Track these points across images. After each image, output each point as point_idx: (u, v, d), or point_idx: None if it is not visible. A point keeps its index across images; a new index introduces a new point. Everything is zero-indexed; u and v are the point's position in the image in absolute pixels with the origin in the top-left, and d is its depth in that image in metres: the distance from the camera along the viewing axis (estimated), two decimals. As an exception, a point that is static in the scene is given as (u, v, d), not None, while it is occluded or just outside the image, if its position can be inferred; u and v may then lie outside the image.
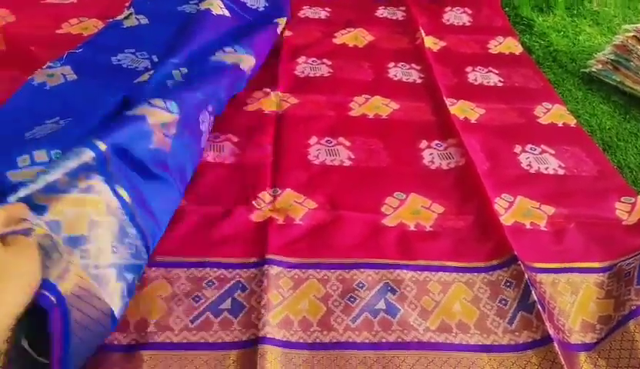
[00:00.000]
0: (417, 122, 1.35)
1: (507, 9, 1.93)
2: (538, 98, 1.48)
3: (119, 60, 1.39)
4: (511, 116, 1.40)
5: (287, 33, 1.66)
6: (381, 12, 1.85)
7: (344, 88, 1.45)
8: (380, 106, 1.39)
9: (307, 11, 1.81)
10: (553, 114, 1.42)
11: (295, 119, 1.32)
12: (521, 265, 0.96)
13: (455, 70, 1.57)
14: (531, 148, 1.29)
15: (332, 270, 0.95)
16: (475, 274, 0.98)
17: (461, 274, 0.97)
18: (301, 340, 0.85)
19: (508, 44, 1.72)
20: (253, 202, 1.07)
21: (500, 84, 1.53)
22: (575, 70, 1.65)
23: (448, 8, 1.88)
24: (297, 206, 1.07)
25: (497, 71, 1.58)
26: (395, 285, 0.94)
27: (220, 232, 1.00)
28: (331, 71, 1.51)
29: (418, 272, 0.97)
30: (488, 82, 1.53)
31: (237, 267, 0.94)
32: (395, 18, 1.82)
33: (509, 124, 1.37)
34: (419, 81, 1.51)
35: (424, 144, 1.28)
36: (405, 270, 0.96)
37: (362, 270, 0.96)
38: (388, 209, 1.09)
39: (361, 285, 0.93)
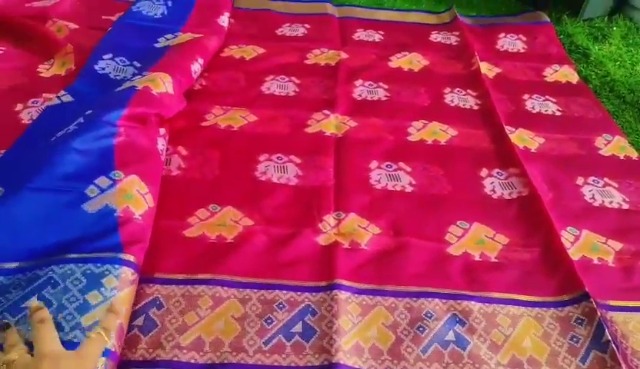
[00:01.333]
0: (476, 150, 1.35)
1: (561, 37, 1.92)
2: (598, 129, 1.46)
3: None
4: (571, 146, 1.39)
5: (343, 55, 1.68)
6: (435, 37, 1.86)
7: (401, 113, 1.45)
8: (438, 132, 1.40)
9: (361, 34, 1.84)
10: (614, 145, 1.40)
11: (355, 142, 1.33)
12: (593, 302, 0.94)
13: (511, 97, 1.56)
14: (593, 181, 1.27)
15: (400, 298, 0.96)
16: (544, 308, 0.96)
17: (529, 308, 0.96)
18: (372, 369, 0.85)
19: (564, 73, 1.71)
20: (319, 225, 1.08)
21: (558, 114, 1.52)
22: (634, 101, 1.62)
23: (502, 35, 1.88)
24: (361, 231, 1.08)
25: (554, 100, 1.57)
26: (464, 316, 0.93)
27: (288, 254, 1.01)
28: (388, 95, 1.53)
29: (486, 304, 0.96)
30: (546, 111, 1.52)
31: (306, 291, 0.95)
32: (448, 42, 1.83)
33: (570, 155, 1.36)
34: (476, 107, 1.51)
35: (484, 172, 1.27)
36: (473, 302, 0.96)
37: (430, 299, 0.96)
38: (452, 238, 1.09)
39: (429, 315, 0.93)
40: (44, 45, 1.52)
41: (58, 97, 1.30)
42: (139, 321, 0.87)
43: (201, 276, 0.95)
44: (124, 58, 1.46)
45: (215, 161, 1.22)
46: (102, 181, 0.99)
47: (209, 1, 1.81)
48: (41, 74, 1.43)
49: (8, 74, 1.41)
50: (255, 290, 0.94)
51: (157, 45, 1.53)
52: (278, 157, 1.25)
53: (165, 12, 1.73)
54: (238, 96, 1.45)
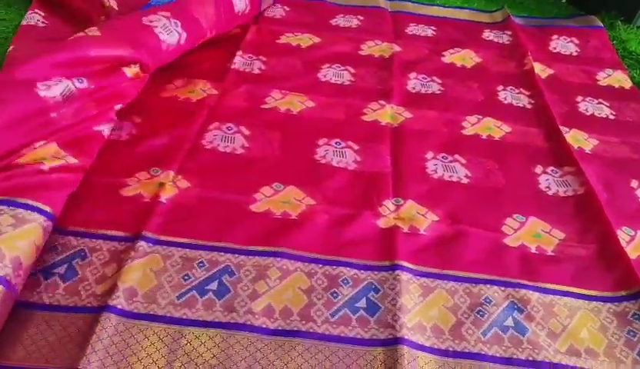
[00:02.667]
0: (531, 146, 1.36)
1: (614, 42, 1.91)
2: (651, 134, 1.46)
3: None
4: (624, 150, 1.39)
5: (397, 48, 1.70)
6: (487, 35, 1.87)
7: (455, 107, 1.48)
8: (492, 127, 1.41)
9: (413, 28, 1.86)
10: (667, 151, 1.40)
11: (410, 132, 1.36)
12: (651, 299, 0.96)
13: (564, 98, 1.57)
14: (648, 184, 1.28)
15: (459, 283, 0.98)
16: (601, 303, 0.98)
17: (587, 301, 0.98)
18: (435, 346, 0.88)
19: (617, 78, 1.70)
20: (379, 209, 1.11)
21: (612, 117, 1.52)
22: (688, 109, 1.61)
23: (555, 36, 1.88)
24: (420, 217, 1.11)
25: (607, 104, 1.57)
26: (522, 305, 0.96)
27: (349, 233, 1.05)
28: (442, 88, 1.55)
29: (544, 294, 0.98)
30: (599, 114, 1.53)
31: (369, 269, 0.99)
32: (501, 41, 1.83)
33: (623, 158, 1.36)
34: (529, 106, 1.52)
35: (539, 169, 1.29)
36: (530, 291, 0.98)
37: (488, 286, 0.98)
38: (509, 229, 1.11)
39: (488, 300, 0.96)
40: (82, 25, 1.50)
41: None
42: (213, 286, 0.92)
43: (269, 248, 0.99)
44: None
45: (276, 142, 1.26)
46: None
47: None
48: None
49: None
50: (320, 266, 0.98)
51: None
52: (336, 143, 1.29)
53: None
54: (295, 81, 1.49)
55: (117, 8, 1.55)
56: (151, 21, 1.34)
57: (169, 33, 1.36)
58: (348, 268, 0.98)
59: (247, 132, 1.28)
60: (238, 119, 1.31)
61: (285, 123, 1.33)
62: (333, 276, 0.96)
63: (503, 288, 0.98)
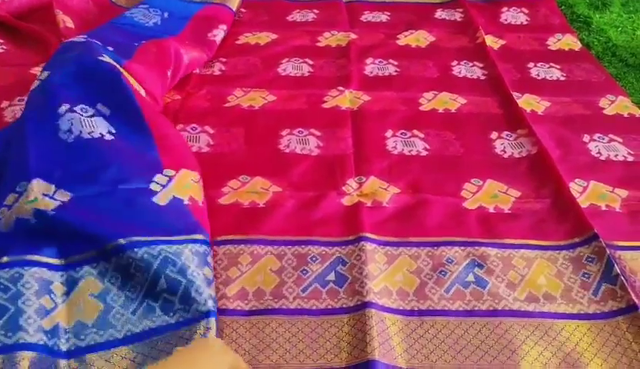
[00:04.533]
0: (485, 115, 1.42)
1: (563, 8, 1.98)
2: (602, 91, 1.52)
3: None
4: (576, 108, 1.46)
5: (352, 36, 1.76)
6: (440, 14, 1.93)
7: (412, 86, 1.53)
8: (448, 101, 1.47)
9: (368, 16, 1.91)
10: (618, 105, 1.47)
11: (369, 114, 1.41)
12: (602, 242, 1.02)
13: (517, 66, 1.64)
14: (599, 137, 1.34)
15: (421, 248, 1.04)
16: (557, 251, 1.04)
17: (542, 251, 1.04)
18: (400, 307, 0.93)
19: (566, 41, 1.77)
20: (342, 188, 1.16)
21: (563, 79, 1.58)
22: (636, 64, 1.68)
23: (505, 9, 1.94)
24: (382, 191, 1.16)
25: (558, 67, 1.64)
26: (482, 261, 1.01)
27: (317, 214, 1.10)
28: (398, 70, 1.60)
29: (502, 250, 1.04)
30: (550, 77, 1.59)
31: (336, 245, 1.04)
32: (453, 19, 1.89)
33: (575, 115, 1.42)
34: (483, 77, 1.58)
35: (494, 135, 1.35)
36: (489, 248, 1.04)
37: (449, 247, 1.04)
38: (467, 194, 1.17)
39: (449, 260, 1.01)
40: (42, 47, 1.55)
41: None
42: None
43: (239, 236, 1.04)
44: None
45: (241, 137, 1.31)
46: (159, 178, 1.07)
47: (208, 14, 1.73)
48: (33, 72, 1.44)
49: (4, 72, 1.47)
50: (289, 247, 1.03)
51: (136, 44, 1.43)
52: (299, 131, 1.34)
53: (159, 22, 1.65)
54: (256, 78, 1.54)
55: (73, 27, 1.59)
56: None
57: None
58: (316, 246, 1.03)
59: (211, 131, 1.33)
60: (202, 119, 1.36)
61: (248, 118, 1.38)
62: (302, 255, 1.01)
63: (463, 248, 1.04)
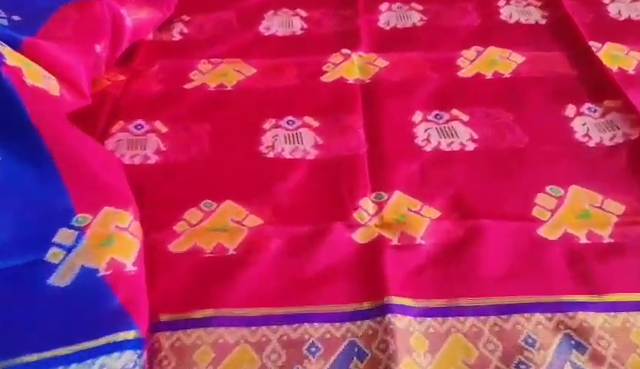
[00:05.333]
0: (554, 79, 1.00)
1: None
2: None
3: None
4: (682, 60, 1.02)
5: (359, -26, 1.31)
6: None
7: (445, 40, 1.10)
8: (498, 60, 1.04)
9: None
10: None
11: (388, 88, 0.99)
12: None
13: (587, 2, 1.18)
14: None
15: (482, 317, 0.66)
16: (698, 310, 0.66)
17: (675, 311, 0.66)
18: None
19: (653, -40, 1.29)
20: (353, 215, 0.78)
21: (657, 17, 1.13)
22: None
23: None
24: (413, 216, 0.77)
25: (648, -1, 1.18)
26: (582, 338, 0.63)
27: (315, 264, 0.72)
28: (425, 18, 1.17)
29: (611, 314, 0.65)
30: (638, 16, 1.14)
31: (346, 319, 0.66)
32: (493, -60, 1.42)
33: (684, 73, 0.99)
34: (543, 21, 1.14)
35: (571, 110, 0.93)
36: (591, 312, 0.65)
37: (527, 314, 0.66)
38: (543, 212, 0.77)
39: (530, 341, 0.63)
40: None
41: None
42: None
43: (195, 314, 0.67)
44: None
45: (205, 136, 0.91)
46: (64, 234, 0.69)
47: None
48: None
49: None
50: (275, 327, 0.65)
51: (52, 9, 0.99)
52: (288, 122, 0.93)
53: None
54: (230, 43, 1.12)
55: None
56: None
57: None
58: (315, 324, 0.66)
59: (163, 129, 0.93)
60: (151, 112, 0.96)
61: (217, 106, 0.97)
62: (294, 342, 0.64)
63: (550, 315, 0.65)
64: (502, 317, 0.65)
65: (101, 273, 0.65)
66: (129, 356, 0.59)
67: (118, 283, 0.65)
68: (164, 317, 0.66)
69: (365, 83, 1.01)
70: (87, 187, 0.74)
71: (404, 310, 0.66)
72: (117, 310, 0.63)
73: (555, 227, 0.75)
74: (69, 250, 0.66)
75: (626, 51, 1.04)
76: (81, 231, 0.68)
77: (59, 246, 0.67)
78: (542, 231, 0.75)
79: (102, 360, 0.57)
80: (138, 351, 0.60)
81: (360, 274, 0.70)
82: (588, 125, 0.90)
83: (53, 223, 0.69)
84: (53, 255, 0.66)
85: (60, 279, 0.64)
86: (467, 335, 0.64)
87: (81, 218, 0.70)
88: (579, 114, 0.92)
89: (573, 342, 0.63)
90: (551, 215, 0.77)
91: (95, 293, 0.64)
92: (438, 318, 0.66)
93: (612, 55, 1.03)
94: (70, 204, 0.71)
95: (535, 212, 0.77)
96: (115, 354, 0.59)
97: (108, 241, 0.69)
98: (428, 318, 0.66)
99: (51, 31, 0.93)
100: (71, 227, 0.69)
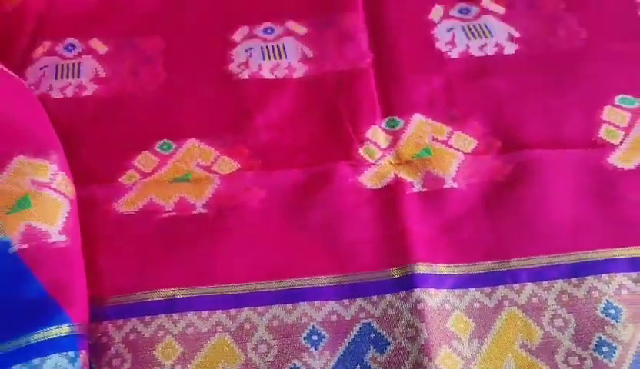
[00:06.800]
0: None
1: None
2: None
3: None
4: None
5: None
6: None
7: None
8: None
9: None
10: None
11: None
12: None
13: None
14: None
15: (545, 282, 0.48)
16: None
17: None
18: None
19: None
20: (359, 150, 0.58)
21: None
22: None
23: None
24: (440, 148, 0.58)
25: None
26: (680, 302, 0.46)
27: (311, 222, 0.53)
28: None
29: None
30: None
31: (358, 294, 0.49)
32: None
33: None
34: None
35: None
36: (691, 268, 0.48)
37: (605, 275, 0.48)
38: (614, 133, 0.58)
39: (612, 313, 0.46)
40: None
41: None
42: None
43: (155, 294, 0.49)
44: None
45: (158, 55, 0.69)
46: None
47: None
48: None
49: None
50: (262, 309, 0.48)
51: None
52: (266, 30, 0.71)
53: None
54: None
55: None
56: None
57: None
58: (316, 302, 0.48)
59: (102, 49, 0.70)
60: (85, 26, 0.72)
61: (171, 12, 0.74)
62: (289, 328, 0.47)
63: (635, 274, 0.48)
64: (572, 280, 0.48)
65: (15, 248, 0.47)
66: (57, 360, 0.43)
67: (40, 260, 0.47)
68: (112, 301, 0.49)
69: (365, -32, 0.77)
70: None
71: (437, 280, 0.48)
72: (39, 298, 0.45)
73: (631, 152, 0.56)
74: None
75: None
76: None
77: None
78: (614, 159, 0.56)
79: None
80: (71, 353, 0.44)
81: (373, 233, 0.52)
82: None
83: None
84: None
85: None
86: (525, 309, 0.47)
87: None
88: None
89: (671, 311, 0.46)
90: (625, 136, 0.58)
91: (8, 276, 0.46)
92: (485, 288, 0.48)
93: None
94: None
95: (603, 133, 0.58)
96: (35, 361, 0.42)
97: (23, 203, 0.50)
98: (471, 289, 0.48)
99: None
100: None
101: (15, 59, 0.69)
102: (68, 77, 0.67)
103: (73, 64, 0.69)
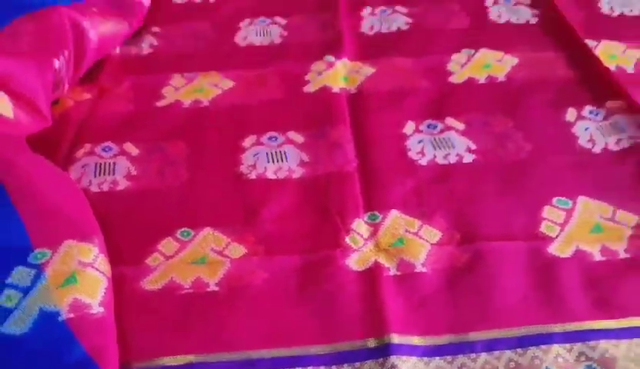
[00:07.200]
0: (551, 81, 0.94)
1: None
2: None
3: None
4: (680, 56, 0.97)
5: (339, -25, 1.24)
6: None
7: (433, 44, 1.04)
8: (491, 63, 0.98)
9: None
10: None
11: (376, 97, 0.93)
12: None
13: (579, -3, 1.14)
14: None
15: (496, 352, 0.59)
16: None
17: None
18: None
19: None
20: (346, 239, 0.71)
21: (651, 11, 1.09)
22: None
23: None
24: (412, 239, 0.70)
25: (639, -7, 1.13)
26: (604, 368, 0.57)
27: (306, 299, 0.64)
28: (410, 20, 1.11)
29: (635, 340, 0.59)
30: (631, 12, 1.10)
31: (343, 360, 0.59)
32: None
33: (684, 69, 0.95)
34: (534, 20, 1.09)
35: (571, 114, 0.87)
36: (613, 340, 0.59)
37: (544, 346, 0.59)
38: (552, 228, 0.71)
39: (550, 376, 0.57)
40: None
41: None
42: None
43: (174, 360, 0.59)
44: None
45: (181, 158, 0.83)
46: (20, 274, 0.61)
47: None
48: None
49: None
50: (264, 374, 0.59)
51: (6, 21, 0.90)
52: (270, 138, 0.86)
53: None
54: (204, 55, 1.05)
55: None
56: None
57: None
58: (310, 368, 0.59)
59: (134, 151, 0.85)
60: (121, 132, 0.88)
61: (193, 124, 0.90)
62: (286, 390, 0.57)
63: (568, 345, 0.59)
64: (518, 350, 0.59)
65: (63, 317, 0.57)
66: None
67: (83, 328, 0.57)
68: (137, 366, 0.59)
69: (352, 93, 0.94)
70: (45, 219, 0.66)
71: (408, 349, 0.59)
72: (82, 360, 0.55)
73: (565, 244, 0.69)
74: (26, 291, 0.58)
75: (623, 49, 0.99)
76: (40, 268, 0.60)
77: (14, 287, 0.59)
78: (552, 249, 0.69)
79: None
80: None
81: (357, 309, 0.63)
82: (591, 130, 0.84)
83: (7, 261, 0.60)
84: (8, 298, 0.58)
85: (16, 325, 0.56)
86: (480, 374, 0.57)
87: (39, 254, 0.62)
88: (580, 117, 0.87)
89: (597, 375, 0.56)
90: (561, 230, 0.71)
91: (57, 340, 0.56)
92: (447, 357, 0.59)
93: (609, 54, 0.98)
94: (26, 239, 0.63)
95: (544, 228, 0.71)
96: None
97: (71, 280, 0.61)
98: (436, 358, 0.59)
99: (3, 45, 0.85)
100: (28, 265, 0.61)
101: (60, 158, 0.83)
102: (104, 174, 0.81)
103: (109, 164, 0.83)
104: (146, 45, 1.08)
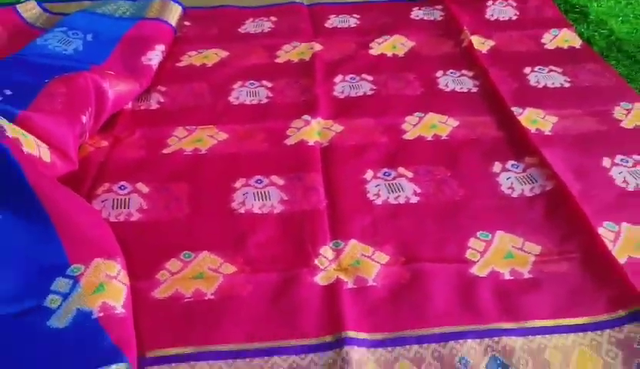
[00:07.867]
0: (484, 140, 1.17)
1: (554, -3, 1.74)
2: (614, 98, 1.29)
3: None
4: (588, 122, 1.22)
5: (317, 48, 1.49)
6: (417, 14, 1.66)
7: (392, 107, 1.27)
8: (437, 125, 1.21)
9: (334, 20, 1.64)
10: (636, 115, 1.23)
11: (343, 150, 1.14)
12: (658, 317, 0.78)
13: (512, 72, 1.39)
14: (622, 160, 1.10)
15: (425, 345, 0.78)
16: (599, 331, 0.79)
17: (581, 333, 0.79)
18: None
19: (564, 37, 1.53)
20: (315, 261, 0.90)
21: (567, 85, 1.34)
22: (646, 60, 1.46)
23: (490, 2, 1.69)
24: (366, 261, 0.90)
25: (560, 70, 1.39)
26: (505, 357, 0.76)
27: (283, 304, 0.83)
28: (374, 87, 1.34)
29: (529, 337, 0.79)
30: (553, 84, 1.35)
31: (310, 351, 0.77)
32: (432, 18, 1.64)
33: (589, 133, 1.18)
34: (475, 89, 1.34)
35: (497, 166, 1.10)
36: (513, 337, 0.78)
37: (461, 340, 0.78)
38: (474, 254, 0.92)
39: (464, 362, 0.76)
40: None
41: None
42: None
43: (178, 350, 0.77)
44: None
45: (184, 195, 1.03)
46: (60, 283, 0.79)
47: (142, 33, 1.44)
48: None
49: None
50: (248, 360, 0.76)
51: (44, 82, 1.12)
52: (257, 181, 1.06)
53: (80, 48, 1.35)
54: (203, 112, 1.26)
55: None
56: None
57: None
58: (284, 356, 0.77)
59: (145, 189, 1.04)
60: (134, 174, 1.07)
61: (193, 168, 1.10)
62: (265, 373, 0.75)
63: (479, 340, 0.78)
64: (441, 344, 0.78)
65: (95, 315, 0.75)
66: None
67: (110, 323, 0.74)
68: (150, 354, 0.76)
69: (324, 146, 1.16)
70: (79, 242, 0.84)
71: (359, 342, 0.78)
72: (109, 347, 0.72)
73: (484, 267, 0.90)
74: (66, 296, 0.76)
75: (543, 115, 1.23)
76: (76, 279, 0.78)
77: (57, 293, 0.76)
78: (474, 270, 0.89)
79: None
80: None
81: (322, 313, 0.82)
82: (512, 179, 1.07)
83: (51, 273, 0.78)
84: (52, 301, 0.75)
85: (58, 321, 0.73)
86: (412, 360, 0.76)
87: (75, 268, 0.80)
88: (504, 169, 1.09)
89: (499, 361, 0.76)
90: (481, 256, 0.91)
91: (90, 333, 0.73)
92: (388, 348, 0.78)
93: (531, 119, 1.22)
94: (65, 257, 0.81)
95: (468, 254, 0.92)
96: None
97: (100, 288, 0.78)
98: (380, 348, 0.78)
99: (41, 104, 1.05)
100: (66, 276, 0.79)
101: (84, 194, 1.01)
102: (121, 208, 1.00)
103: (124, 199, 1.02)
104: (154, 102, 1.29)
